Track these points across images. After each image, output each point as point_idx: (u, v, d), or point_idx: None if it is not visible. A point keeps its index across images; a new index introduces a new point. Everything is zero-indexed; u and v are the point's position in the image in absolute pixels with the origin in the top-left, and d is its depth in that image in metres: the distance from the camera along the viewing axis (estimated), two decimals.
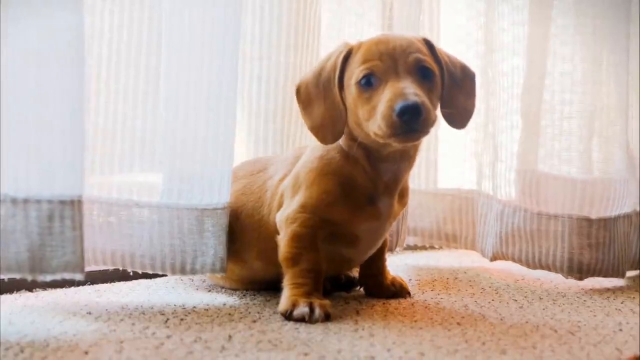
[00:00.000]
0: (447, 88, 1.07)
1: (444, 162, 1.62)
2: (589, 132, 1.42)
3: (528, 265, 1.40)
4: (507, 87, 1.44)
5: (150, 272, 1.13)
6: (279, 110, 1.34)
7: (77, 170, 0.97)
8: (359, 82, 1.02)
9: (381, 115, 0.98)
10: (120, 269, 1.13)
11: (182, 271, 1.11)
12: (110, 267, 1.12)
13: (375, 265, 1.20)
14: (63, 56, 0.95)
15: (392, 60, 1.01)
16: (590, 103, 1.42)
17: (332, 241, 1.09)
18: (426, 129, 0.99)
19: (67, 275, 0.96)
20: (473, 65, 1.53)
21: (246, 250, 1.15)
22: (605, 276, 1.37)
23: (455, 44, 1.59)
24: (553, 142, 1.42)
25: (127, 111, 1.13)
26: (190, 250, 1.11)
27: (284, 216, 1.08)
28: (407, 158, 1.09)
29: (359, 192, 1.07)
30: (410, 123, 0.96)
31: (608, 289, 1.33)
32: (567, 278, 1.38)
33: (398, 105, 0.96)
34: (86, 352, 0.84)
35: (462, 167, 1.61)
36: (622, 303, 1.21)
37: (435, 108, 1.03)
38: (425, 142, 1.57)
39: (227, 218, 1.12)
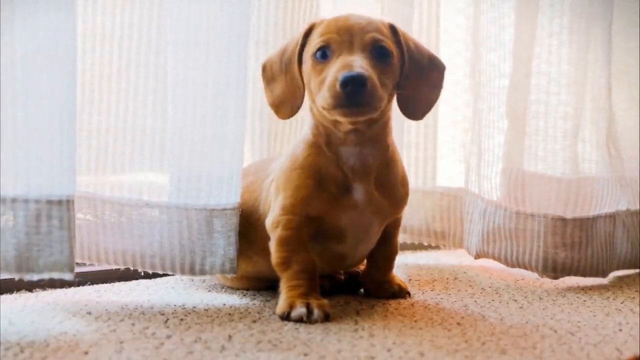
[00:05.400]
0: (408, 75, 1.07)
1: (439, 161, 1.61)
2: (573, 132, 1.41)
3: (507, 264, 1.40)
4: (495, 89, 1.43)
5: (161, 272, 1.13)
6: (267, 108, 1.33)
7: (67, 171, 0.97)
8: (314, 54, 1.03)
9: (327, 86, 0.99)
10: (122, 268, 1.13)
11: (192, 272, 1.12)
12: (122, 267, 1.13)
13: (377, 267, 1.19)
14: (53, 56, 0.95)
15: (348, 35, 1.02)
16: (575, 103, 1.41)
17: (319, 238, 1.09)
18: (372, 104, 0.98)
19: (56, 275, 0.95)
20: (469, 65, 1.55)
21: (249, 247, 1.15)
22: (583, 276, 1.36)
23: (453, 43, 1.59)
24: (537, 142, 1.42)
25: (137, 110, 1.13)
26: (199, 250, 1.11)
27: (270, 222, 1.08)
28: (369, 141, 1.07)
29: (329, 182, 1.07)
30: (353, 95, 0.96)
31: (608, 289, 1.33)
32: (541, 277, 1.38)
33: (342, 75, 0.96)
34: (86, 352, 0.84)
35: (452, 166, 1.61)
36: (622, 303, 1.21)
37: (387, 90, 1.03)
38: (424, 140, 1.59)
39: (237, 218, 1.12)
